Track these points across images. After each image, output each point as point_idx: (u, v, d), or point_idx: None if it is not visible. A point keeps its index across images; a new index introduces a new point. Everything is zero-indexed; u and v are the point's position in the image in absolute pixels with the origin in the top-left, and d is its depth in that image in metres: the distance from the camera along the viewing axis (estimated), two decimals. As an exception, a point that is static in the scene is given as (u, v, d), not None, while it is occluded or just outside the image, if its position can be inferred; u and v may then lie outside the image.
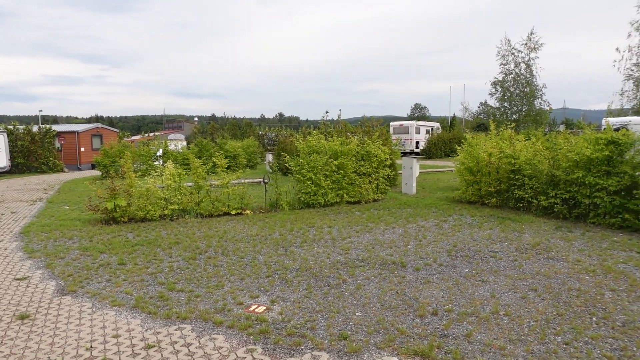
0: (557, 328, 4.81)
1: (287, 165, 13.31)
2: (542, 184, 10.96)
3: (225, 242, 8.64)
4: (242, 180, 13.12)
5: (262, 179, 13.47)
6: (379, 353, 4.29)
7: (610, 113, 34.21)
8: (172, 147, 27.63)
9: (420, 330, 4.75)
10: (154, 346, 4.52)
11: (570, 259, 7.32)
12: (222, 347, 4.46)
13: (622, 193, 9.68)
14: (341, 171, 12.66)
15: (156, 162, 23.46)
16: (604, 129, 10.39)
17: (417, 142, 38.89)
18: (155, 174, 11.76)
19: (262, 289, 6.11)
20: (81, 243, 8.72)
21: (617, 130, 10.40)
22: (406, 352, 4.28)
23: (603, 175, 9.84)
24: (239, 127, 47.68)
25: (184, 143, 40.07)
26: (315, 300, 5.67)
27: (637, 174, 9.55)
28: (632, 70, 34.07)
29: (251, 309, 5.39)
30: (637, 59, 33.74)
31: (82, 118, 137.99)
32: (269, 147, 38.39)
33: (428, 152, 36.28)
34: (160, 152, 24.96)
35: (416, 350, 4.30)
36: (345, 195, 12.80)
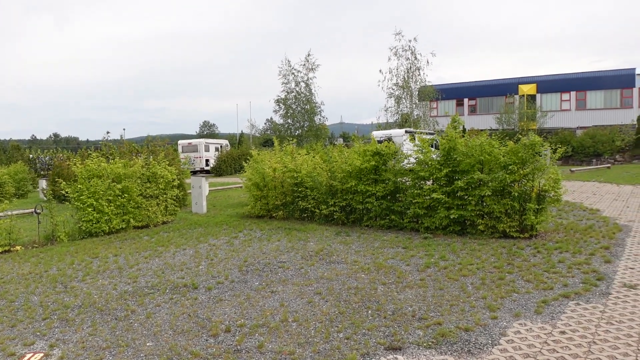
0: (339, 325, 5.26)
1: (63, 192, 12.13)
2: (322, 194, 11.88)
3: (-11, 286, 7.50)
4: (9, 213, 11.57)
5: (34, 209, 12.04)
6: (171, 381, 4.19)
7: (379, 126, 38.64)
8: None
9: (214, 350, 4.76)
10: None
11: (349, 261, 8.07)
12: (-13, 409, 3.88)
13: (388, 197, 11.02)
14: (126, 195, 11.97)
15: None
16: (370, 142, 11.72)
17: (207, 160, 38.83)
18: None
19: (39, 333, 5.47)
20: None
21: (380, 142, 11.81)
22: (200, 375, 4.26)
23: (372, 182, 11.08)
24: (4, 151, 41.92)
25: None
26: (102, 336, 5.27)
27: (398, 179, 10.98)
28: (393, 89, 39.01)
29: (25, 358, 4.79)
30: (397, 80, 38.76)
31: None
32: (42, 173, 34.46)
33: (218, 170, 36.47)
34: None
35: (210, 370, 4.30)
36: (132, 220, 12.13)
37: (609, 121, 39.64)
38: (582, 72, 43.34)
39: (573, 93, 42.43)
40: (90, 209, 11.41)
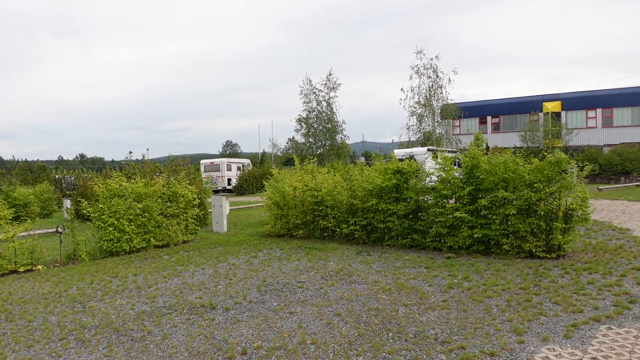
0: (359, 349, 5.08)
1: (85, 211, 12.23)
2: (343, 213, 11.73)
3: (10, 306, 7.51)
4: (32, 232, 11.68)
5: (56, 228, 12.14)
6: (184, 406, 4.06)
7: (402, 145, 38.48)
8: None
9: (229, 373, 4.63)
10: None
11: (370, 281, 7.89)
12: None
13: (410, 216, 10.83)
14: (147, 214, 12.01)
15: None
16: (391, 160, 11.57)
17: (229, 179, 39.05)
18: None
19: (54, 354, 5.42)
20: None
21: (402, 160, 11.65)
22: (213, 400, 4.12)
23: (393, 201, 10.90)
24: (30, 171, 42.79)
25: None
26: (117, 358, 5.20)
27: (420, 198, 10.78)
28: (415, 107, 38.88)
29: (37, 380, 4.72)
30: (419, 98, 38.63)
31: None
32: (67, 192, 35.02)
33: (240, 189, 36.58)
34: None
35: (224, 395, 4.17)
36: (152, 239, 12.14)
37: (637, 138, 38.76)
38: (608, 89, 42.55)
39: (599, 110, 41.66)
40: (111, 229, 11.46)
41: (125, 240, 11.62)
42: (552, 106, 42.95)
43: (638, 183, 30.80)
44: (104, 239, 11.52)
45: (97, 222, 11.60)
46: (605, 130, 41.39)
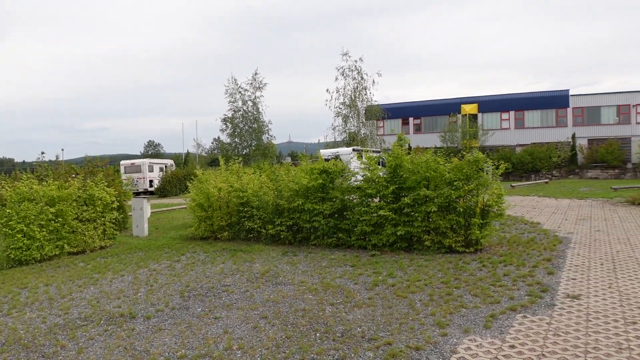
0: (287, 351, 5.01)
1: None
2: (269, 213, 11.61)
3: None
4: None
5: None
6: (100, 422, 3.81)
7: (327, 145, 38.82)
8: None
9: (150, 385, 4.40)
10: None
11: (296, 281, 7.83)
12: None
13: (336, 215, 10.89)
14: (60, 219, 11.28)
15: None
16: (317, 160, 11.59)
17: (151, 181, 37.70)
18: None
19: (-48, 375, 4.94)
20: None
21: (328, 160, 11.70)
22: (132, 414, 3.90)
23: (319, 201, 10.92)
24: None
25: None
26: (25, 375, 4.80)
27: (346, 197, 10.87)
28: (340, 108, 39.35)
29: None
30: (344, 99, 39.13)
31: None
32: (-29, 198, 32.39)
33: (163, 190, 35.43)
34: None
35: (143, 408, 3.95)
36: (66, 245, 11.41)
37: (546, 139, 41.39)
38: (520, 93, 45.19)
39: (512, 112, 44.07)
40: (19, 235, 10.66)
41: (35, 247, 10.86)
42: (469, 108, 44.95)
43: (547, 180, 32.89)
44: (11, 247, 10.70)
45: (3, 229, 10.76)
46: (517, 132, 43.86)
